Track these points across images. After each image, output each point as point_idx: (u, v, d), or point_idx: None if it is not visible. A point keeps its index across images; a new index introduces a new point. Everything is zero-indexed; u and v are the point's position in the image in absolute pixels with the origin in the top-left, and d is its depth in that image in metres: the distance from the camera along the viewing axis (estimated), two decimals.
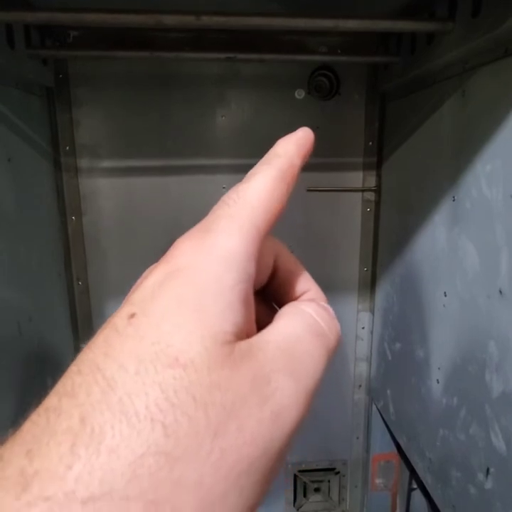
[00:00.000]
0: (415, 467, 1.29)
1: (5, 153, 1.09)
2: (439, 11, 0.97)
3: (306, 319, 0.26)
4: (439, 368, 1.12)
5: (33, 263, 1.24)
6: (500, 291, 0.86)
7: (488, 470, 0.91)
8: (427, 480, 1.20)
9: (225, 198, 0.27)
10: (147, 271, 0.26)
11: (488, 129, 0.88)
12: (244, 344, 0.21)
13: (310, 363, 0.23)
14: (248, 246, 0.24)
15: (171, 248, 0.26)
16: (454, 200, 1.03)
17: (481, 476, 0.93)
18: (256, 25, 0.90)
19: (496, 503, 0.88)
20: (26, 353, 1.16)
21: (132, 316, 0.22)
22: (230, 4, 0.94)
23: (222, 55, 1.16)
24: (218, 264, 0.23)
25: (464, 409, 1.00)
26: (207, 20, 0.89)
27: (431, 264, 1.16)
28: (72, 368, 0.21)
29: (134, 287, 0.26)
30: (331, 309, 0.30)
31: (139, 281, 0.26)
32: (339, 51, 1.31)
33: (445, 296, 1.08)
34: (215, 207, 0.28)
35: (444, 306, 1.08)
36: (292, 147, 0.29)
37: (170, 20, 0.88)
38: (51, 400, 0.19)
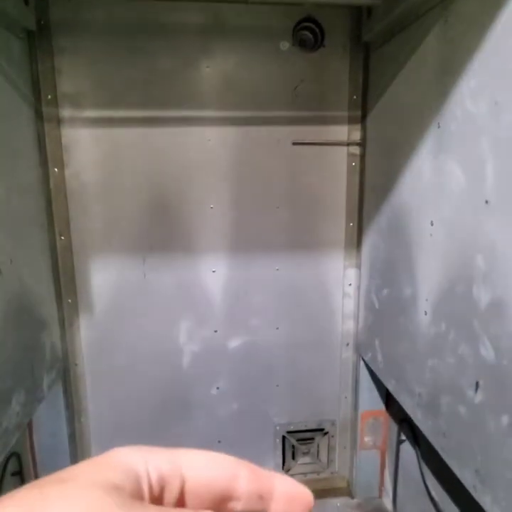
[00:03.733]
0: (404, 407, 1.29)
1: None
2: None
3: None
4: (426, 300, 1.13)
5: (14, 209, 1.20)
6: (487, 201, 0.87)
7: (477, 384, 0.91)
8: (418, 416, 1.20)
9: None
10: None
11: (472, 48, 0.89)
12: None
13: None
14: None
15: None
16: (439, 127, 1.04)
17: (470, 392, 0.94)
18: None
19: (486, 413, 0.89)
20: (8, 292, 1.13)
21: None
22: None
23: None
24: None
25: (453, 332, 1.01)
26: None
27: (417, 198, 1.17)
28: None
29: None
30: None
31: None
32: None
33: (432, 225, 1.09)
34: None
35: (431, 235, 1.09)
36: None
37: None
38: None
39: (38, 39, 1.36)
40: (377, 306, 1.48)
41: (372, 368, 1.55)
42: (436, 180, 1.06)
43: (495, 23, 0.82)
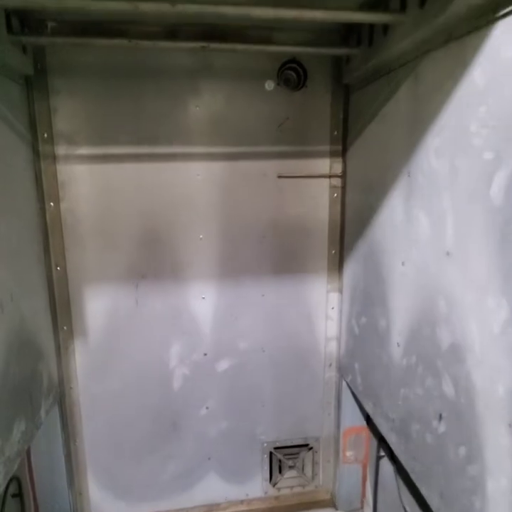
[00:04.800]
0: (381, 430, 1.38)
1: None
2: (393, 4, 1.08)
3: None
4: (399, 333, 1.22)
5: (13, 246, 1.27)
6: (447, 253, 0.96)
7: (440, 416, 1.01)
8: (392, 439, 1.30)
9: None
10: None
11: (437, 107, 0.99)
12: None
13: None
14: None
15: None
16: (409, 176, 1.13)
17: (435, 422, 1.03)
18: (227, 14, 0.98)
19: (448, 443, 0.98)
20: (9, 330, 1.20)
21: None
22: None
23: (197, 45, 1.24)
24: None
25: (421, 366, 1.10)
26: (181, 8, 0.97)
27: (390, 238, 1.26)
28: None
29: None
30: None
31: None
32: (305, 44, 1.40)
33: (403, 265, 1.18)
34: None
35: (402, 274, 1.19)
36: None
37: (146, 7, 0.96)
38: None
39: (35, 82, 1.43)
40: (356, 331, 1.57)
41: (353, 390, 1.65)
42: (406, 223, 1.16)
43: (455, 92, 0.92)
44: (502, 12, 0.76)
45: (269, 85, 1.57)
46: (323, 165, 1.66)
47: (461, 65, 0.88)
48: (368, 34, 1.24)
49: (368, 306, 1.46)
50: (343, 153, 1.64)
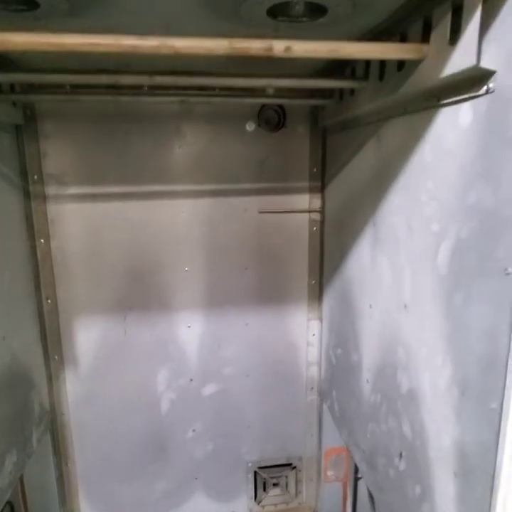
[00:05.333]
0: (354, 458, 1.47)
1: None
2: (358, 70, 1.16)
3: None
4: (368, 370, 1.30)
5: (4, 287, 1.34)
6: (405, 306, 1.04)
7: (401, 454, 1.09)
8: (363, 468, 1.38)
9: None
10: None
11: (394, 172, 1.07)
12: None
13: None
14: None
15: None
16: (374, 226, 1.21)
17: (396, 460, 1.11)
18: (201, 84, 1.06)
19: (407, 480, 1.06)
20: (1, 366, 1.27)
21: None
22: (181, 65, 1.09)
23: (176, 99, 1.31)
24: None
25: (385, 405, 1.18)
26: (159, 79, 1.04)
27: (359, 279, 1.34)
28: None
29: None
30: None
31: None
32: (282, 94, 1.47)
33: (370, 307, 1.26)
34: None
35: (370, 317, 1.27)
36: None
37: (126, 79, 1.03)
38: None
39: (25, 128, 1.50)
40: (334, 361, 1.65)
41: (331, 415, 1.73)
42: (372, 269, 1.24)
43: (409, 162, 1.00)
44: (443, 101, 0.84)
45: (250, 126, 1.65)
46: (303, 200, 1.74)
47: (414, 138, 0.96)
48: (338, 90, 1.32)
49: (342, 338, 1.54)
50: (322, 189, 1.72)
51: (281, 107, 1.64)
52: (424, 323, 0.96)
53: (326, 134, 1.65)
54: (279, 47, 0.78)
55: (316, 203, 1.74)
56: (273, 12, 0.92)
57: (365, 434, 1.33)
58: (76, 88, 1.29)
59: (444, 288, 0.87)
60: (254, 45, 0.77)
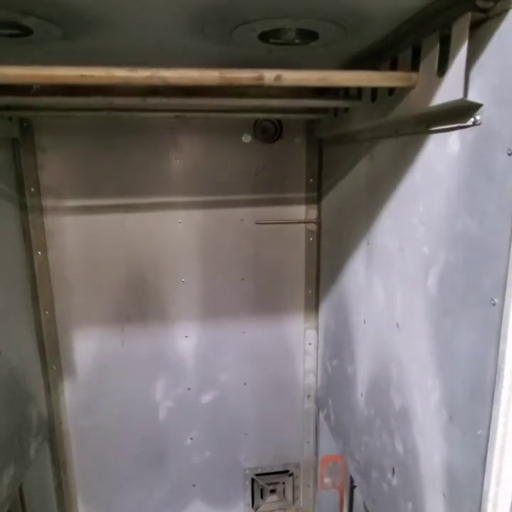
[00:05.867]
0: (349, 468, 1.48)
1: None
2: (352, 91, 1.16)
3: None
4: (362, 383, 1.31)
5: (2, 303, 1.36)
6: (397, 325, 1.05)
7: (393, 470, 1.10)
8: (357, 479, 1.39)
9: None
10: None
11: (387, 192, 1.07)
12: None
13: None
14: None
15: None
16: (368, 244, 1.22)
17: (389, 475, 1.13)
18: (193, 105, 1.06)
19: (399, 496, 1.08)
20: None
21: None
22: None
23: (171, 115, 1.32)
24: None
25: (378, 420, 1.19)
26: (151, 101, 1.05)
27: (354, 294, 1.35)
28: None
29: None
30: None
31: None
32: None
33: (364, 323, 1.27)
34: None
35: (364, 331, 1.28)
36: None
37: (120, 101, 1.04)
38: None
39: (22, 141, 1.51)
40: (329, 371, 1.67)
41: (327, 424, 1.75)
42: (367, 286, 1.25)
43: (401, 184, 1.01)
44: (433, 128, 0.84)
45: (246, 138, 1.65)
46: (299, 211, 1.75)
47: (405, 161, 0.97)
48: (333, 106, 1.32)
49: (338, 349, 1.55)
50: (319, 200, 1.73)
51: (277, 118, 1.65)
52: (415, 344, 0.97)
53: (323, 145, 1.65)
54: (269, 76, 0.79)
55: (313, 213, 1.75)
56: (265, 36, 0.93)
57: (359, 446, 1.35)
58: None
59: (434, 311, 0.88)
60: (245, 75, 0.78)
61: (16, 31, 0.89)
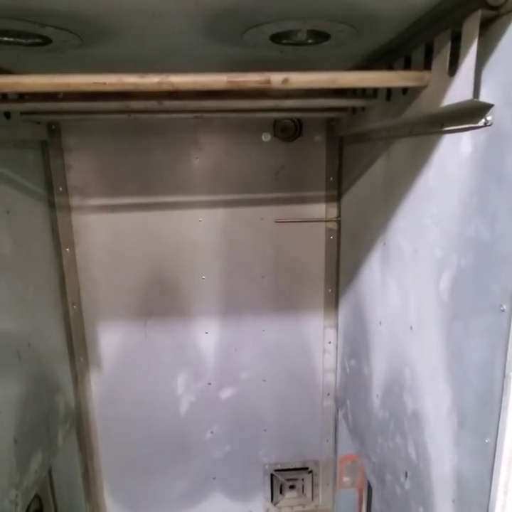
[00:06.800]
0: (365, 469, 1.47)
1: (4, 206, 1.28)
2: (368, 89, 1.14)
3: None
4: (377, 385, 1.30)
5: (30, 296, 1.43)
6: (411, 328, 1.04)
7: (406, 473, 1.09)
8: (372, 480, 1.39)
9: None
10: None
11: (402, 191, 1.05)
12: None
13: None
14: None
15: None
16: (384, 244, 1.21)
17: (402, 478, 1.12)
18: (210, 107, 1.08)
19: (411, 500, 1.07)
20: (26, 376, 1.36)
21: None
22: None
23: (190, 116, 1.34)
24: None
25: (392, 422, 1.18)
26: (167, 104, 1.07)
27: (370, 295, 1.34)
28: None
29: None
30: None
31: None
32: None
33: (380, 324, 1.26)
34: None
35: (379, 333, 1.27)
36: None
37: (137, 104, 1.07)
38: None
39: (50, 142, 1.57)
40: (348, 370, 1.66)
41: (346, 423, 1.74)
42: (382, 288, 1.23)
43: (415, 184, 0.99)
44: (446, 128, 0.82)
45: (266, 137, 1.66)
46: (319, 209, 1.74)
47: (419, 161, 0.95)
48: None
49: (356, 349, 1.54)
50: (339, 198, 1.71)
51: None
52: (428, 348, 0.95)
53: (343, 144, 1.64)
54: (276, 79, 0.79)
55: (333, 212, 1.73)
56: (277, 37, 0.93)
57: (374, 448, 1.34)
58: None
59: (446, 316, 0.87)
60: (252, 79, 0.78)
61: (37, 40, 0.93)
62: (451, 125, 0.80)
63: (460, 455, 0.83)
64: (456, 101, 0.73)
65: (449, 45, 0.73)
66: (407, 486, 1.09)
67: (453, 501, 0.86)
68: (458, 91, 0.72)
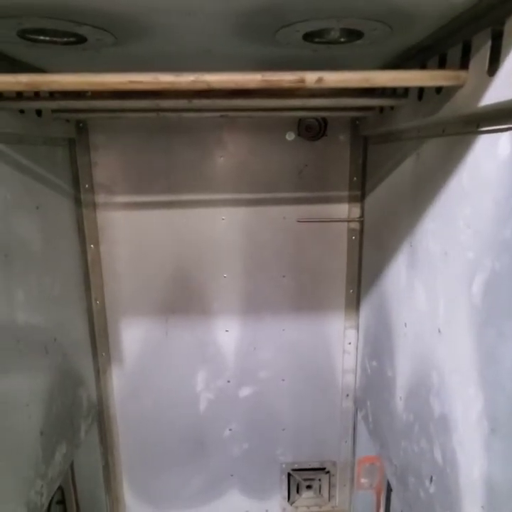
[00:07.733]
0: (386, 471, 1.46)
1: (34, 202, 1.31)
2: (399, 89, 1.13)
3: None
4: (401, 388, 1.29)
5: (56, 291, 1.45)
6: (439, 330, 1.02)
7: (431, 478, 1.08)
8: (393, 483, 1.38)
9: None
10: None
11: (432, 192, 1.04)
12: None
13: None
14: None
15: None
16: (411, 246, 1.19)
17: (427, 482, 1.11)
18: (238, 105, 1.08)
19: (436, 505, 1.05)
20: (52, 370, 1.38)
21: None
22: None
23: (216, 114, 1.34)
24: None
25: (417, 426, 1.17)
26: (197, 103, 1.08)
27: (395, 297, 1.32)
28: None
29: None
30: None
31: None
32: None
33: (405, 326, 1.25)
34: None
35: (404, 335, 1.25)
36: None
37: (166, 103, 1.08)
38: None
39: (78, 139, 1.59)
40: (369, 372, 1.65)
41: (365, 425, 1.73)
42: (408, 290, 1.22)
43: (447, 185, 0.97)
44: (483, 128, 0.81)
45: (290, 136, 1.65)
46: (342, 209, 1.73)
47: (452, 161, 0.93)
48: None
49: (377, 351, 1.53)
50: (362, 199, 1.70)
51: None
52: (458, 352, 0.94)
53: (368, 143, 1.62)
54: (311, 78, 0.79)
55: (356, 212, 1.72)
56: (310, 36, 0.93)
57: (397, 451, 1.32)
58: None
59: (477, 320, 0.85)
60: (287, 78, 0.78)
61: (72, 39, 0.95)
62: (489, 125, 0.79)
63: (491, 460, 0.82)
64: (496, 101, 0.71)
65: (489, 43, 0.72)
66: (432, 489, 1.08)
67: (482, 507, 0.85)
68: (498, 91, 0.70)
